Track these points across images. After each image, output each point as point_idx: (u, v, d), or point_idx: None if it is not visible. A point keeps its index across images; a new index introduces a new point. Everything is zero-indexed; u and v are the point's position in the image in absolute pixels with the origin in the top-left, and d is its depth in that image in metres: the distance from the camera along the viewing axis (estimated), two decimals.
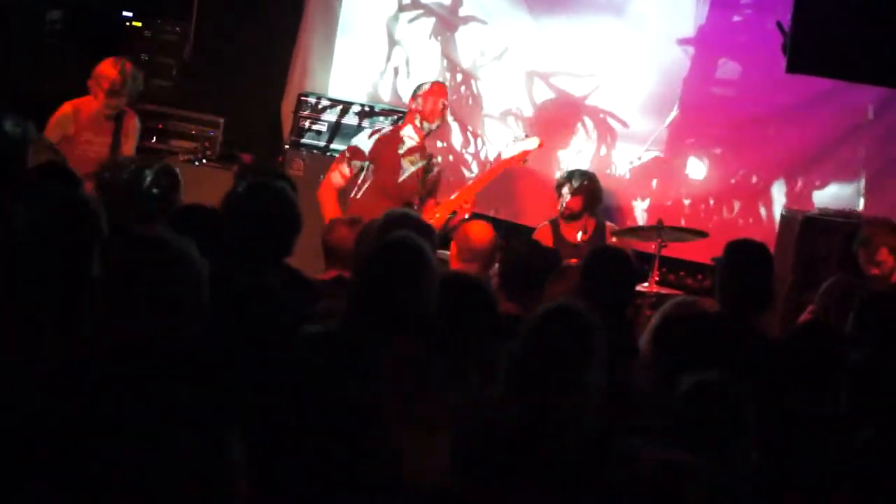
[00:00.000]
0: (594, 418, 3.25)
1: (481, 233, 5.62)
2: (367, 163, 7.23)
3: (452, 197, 7.33)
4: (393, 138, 7.29)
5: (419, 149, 7.28)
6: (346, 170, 7.24)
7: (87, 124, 7.25)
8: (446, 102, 7.36)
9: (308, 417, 3.20)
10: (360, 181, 7.24)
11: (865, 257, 6.39)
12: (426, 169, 7.30)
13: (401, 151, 7.23)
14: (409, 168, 7.22)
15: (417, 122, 7.27)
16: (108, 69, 7.21)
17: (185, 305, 3.08)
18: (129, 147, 7.37)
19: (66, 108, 7.25)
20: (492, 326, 3.71)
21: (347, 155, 7.30)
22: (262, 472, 2.81)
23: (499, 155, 7.57)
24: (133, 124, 7.43)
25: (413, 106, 7.31)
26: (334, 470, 3.09)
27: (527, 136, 7.68)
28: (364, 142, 7.31)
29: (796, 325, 5.17)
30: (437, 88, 7.37)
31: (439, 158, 7.64)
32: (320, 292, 4.67)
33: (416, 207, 7.04)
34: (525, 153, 7.45)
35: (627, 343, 4.67)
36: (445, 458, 3.20)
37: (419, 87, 7.41)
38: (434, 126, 7.32)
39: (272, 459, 2.91)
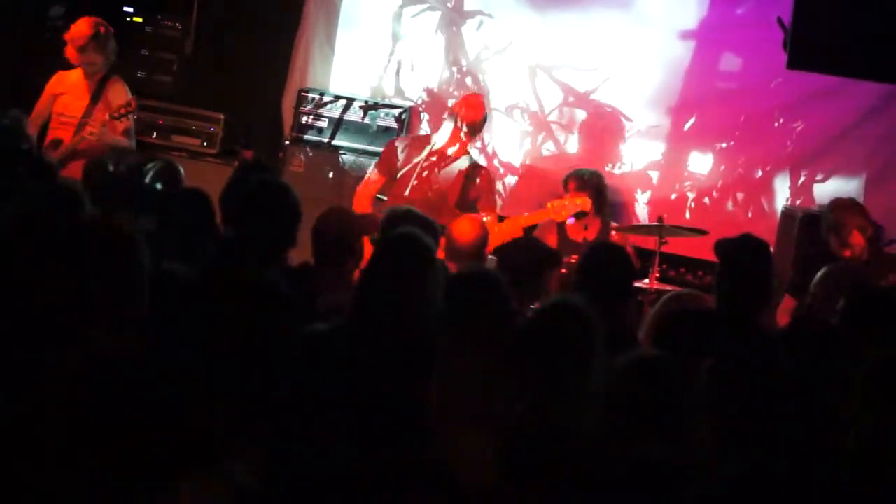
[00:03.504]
0: (594, 414, 3.25)
1: (466, 230, 5.63)
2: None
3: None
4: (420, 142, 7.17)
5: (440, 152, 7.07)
6: (375, 175, 7.16)
7: (69, 88, 7.43)
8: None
9: (323, 415, 3.20)
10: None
11: (837, 241, 6.56)
12: (466, 176, 7.07)
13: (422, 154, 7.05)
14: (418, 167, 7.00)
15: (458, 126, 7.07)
16: (79, 27, 7.41)
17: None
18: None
19: (55, 75, 7.53)
20: (506, 323, 3.67)
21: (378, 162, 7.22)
22: (283, 473, 2.82)
23: (551, 207, 7.22)
24: (118, 88, 7.45)
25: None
26: (372, 471, 3.07)
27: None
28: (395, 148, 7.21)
29: (789, 322, 5.16)
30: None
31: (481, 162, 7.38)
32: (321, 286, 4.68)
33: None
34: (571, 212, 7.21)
35: (625, 338, 4.66)
36: (491, 458, 3.18)
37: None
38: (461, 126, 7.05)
39: (298, 454, 2.90)
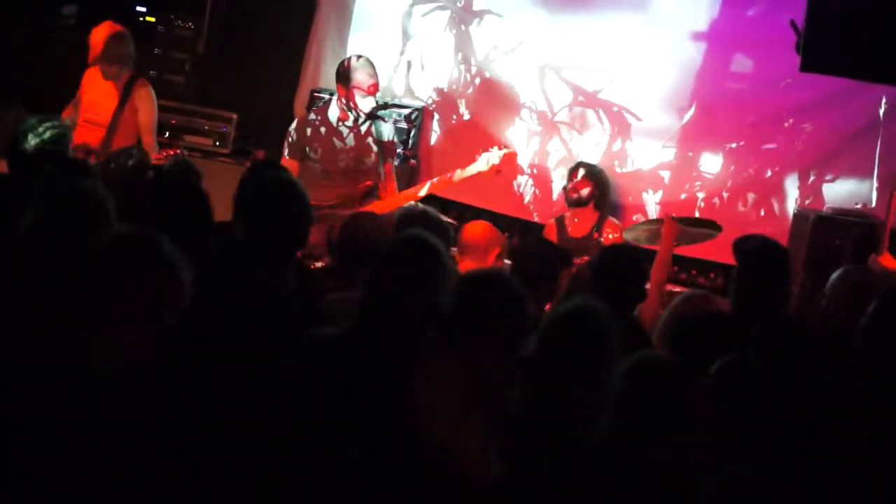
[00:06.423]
0: (610, 417, 3.26)
1: (473, 229, 5.70)
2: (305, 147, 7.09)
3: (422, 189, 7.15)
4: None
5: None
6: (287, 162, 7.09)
7: (96, 86, 7.38)
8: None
9: (334, 419, 3.20)
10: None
11: None
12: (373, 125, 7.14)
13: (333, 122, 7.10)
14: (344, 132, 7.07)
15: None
16: (97, 36, 7.37)
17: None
18: (143, 117, 7.37)
19: (88, 70, 7.45)
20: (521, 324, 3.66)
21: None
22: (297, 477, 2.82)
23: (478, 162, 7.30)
24: (144, 93, 7.42)
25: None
26: (378, 470, 3.07)
27: (499, 147, 7.46)
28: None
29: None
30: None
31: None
32: (323, 285, 4.68)
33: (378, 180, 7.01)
34: (496, 166, 7.13)
35: (638, 341, 4.67)
36: (494, 455, 3.18)
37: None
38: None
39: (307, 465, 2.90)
